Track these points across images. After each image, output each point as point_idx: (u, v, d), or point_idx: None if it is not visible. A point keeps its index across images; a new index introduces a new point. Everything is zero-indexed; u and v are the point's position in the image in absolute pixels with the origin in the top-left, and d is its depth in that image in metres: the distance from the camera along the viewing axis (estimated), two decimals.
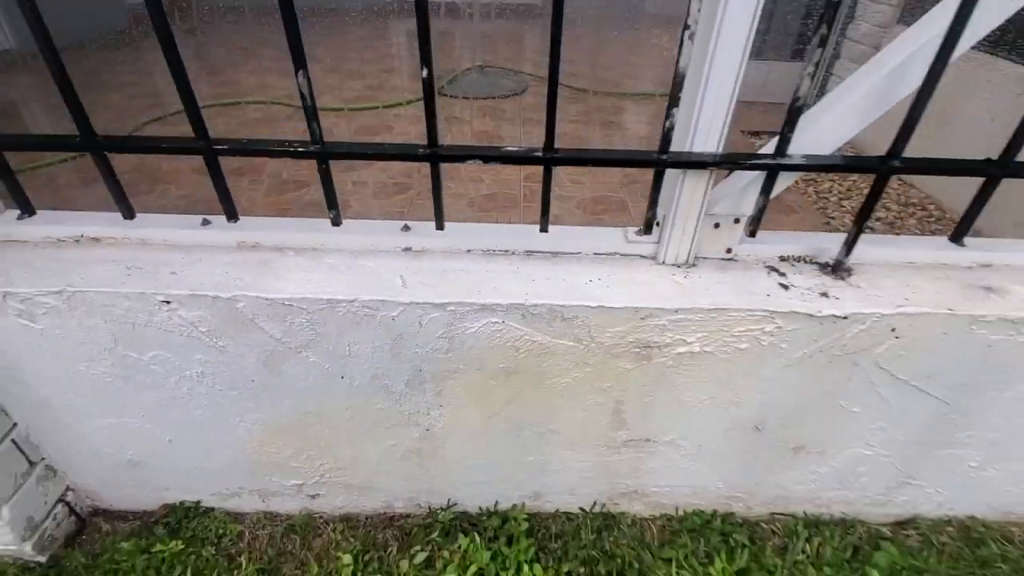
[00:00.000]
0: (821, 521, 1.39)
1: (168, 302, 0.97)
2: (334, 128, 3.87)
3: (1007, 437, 1.19)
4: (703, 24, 0.79)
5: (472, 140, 3.74)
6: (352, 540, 1.34)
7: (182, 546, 1.30)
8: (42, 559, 1.30)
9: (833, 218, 3.11)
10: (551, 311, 0.98)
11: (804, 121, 0.94)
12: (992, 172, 0.91)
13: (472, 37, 5.90)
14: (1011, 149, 0.90)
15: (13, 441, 1.20)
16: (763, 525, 1.38)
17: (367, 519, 1.40)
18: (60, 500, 1.34)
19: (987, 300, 1.00)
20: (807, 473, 1.29)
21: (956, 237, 1.06)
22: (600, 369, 1.06)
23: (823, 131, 0.93)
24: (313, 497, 1.37)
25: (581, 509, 1.40)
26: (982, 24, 0.78)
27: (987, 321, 0.98)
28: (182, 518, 1.37)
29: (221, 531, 1.35)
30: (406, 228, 1.09)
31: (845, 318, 0.98)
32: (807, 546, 1.33)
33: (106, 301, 0.98)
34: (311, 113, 0.88)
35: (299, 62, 0.83)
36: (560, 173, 3.26)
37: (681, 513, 1.40)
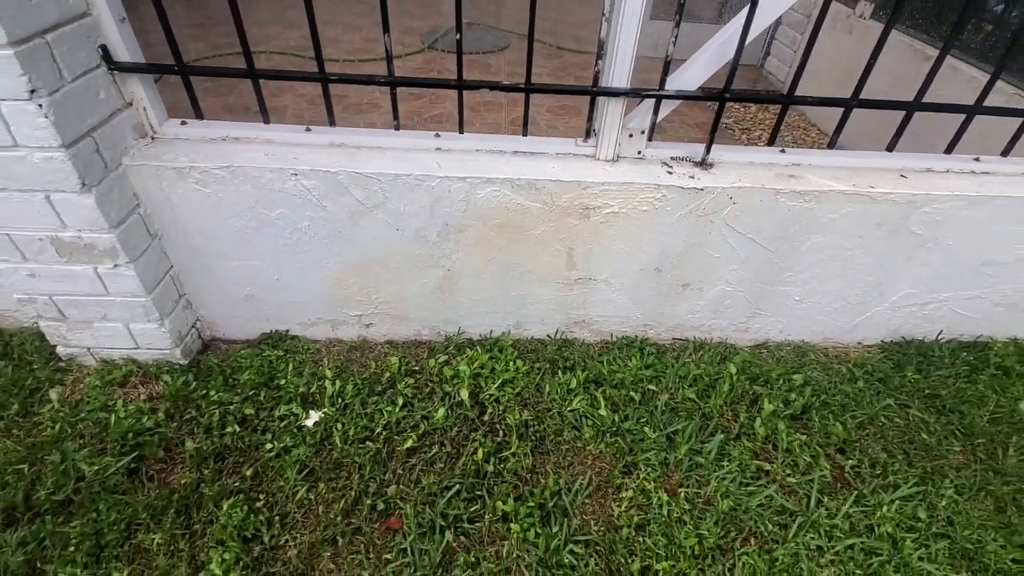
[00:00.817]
0: (705, 342, 2.11)
1: (296, 174, 1.58)
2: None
3: (812, 277, 1.90)
4: (613, 13, 1.41)
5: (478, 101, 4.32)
6: (396, 352, 2.00)
7: (281, 354, 1.95)
8: (184, 362, 1.93)
9: (751, 139, 4.01)
10: (529, 183, 1.62)
11: (680, 69, 1.58)
12: (782, 101, 1.58)
13: None
14: (793, 88, 1.56)
15: (171, 276, 1.82)
16: (667, 344, 2.10)
17: (403, 343, 2.06)
18: (192, 326, 1.97)
19: (787, 181, 1.68)
20: (693, 305, 1.99)
21: (770, 144, 1.73)
22: (558, 224, 1.72)
23: (690, 76, 1.58)
24: (367, 326, 2.03)
25: (548, 335, 2.09)
26: (760, 23, 1.42)
27: (784, 193, 1.66)
28: (277, 340, 2.01)
29: (306, 347, 2.00)
30: (437, 135, 1.71)
31: (702, 190, 1.65)
32: (693, 355, 2.05)
33: (256, 173, 1.58)
34: (389, 57, 1.49)
35: (386, 27, 1.42)
36: (540, 120, 3.86)
37: (614, 338, 2.10)
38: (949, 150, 1.76)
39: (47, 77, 1.29)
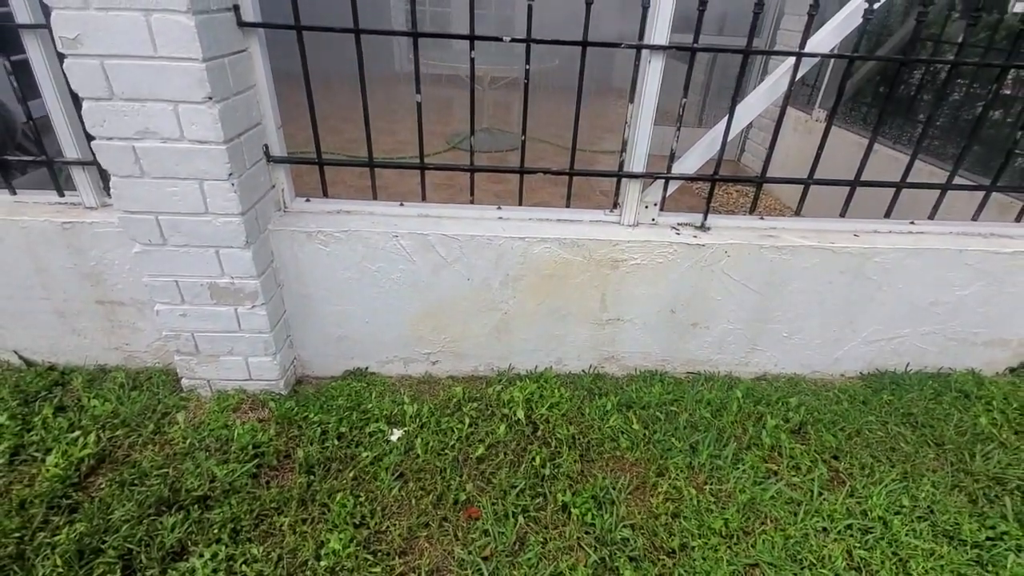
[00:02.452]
0: (713, 375, 2.52)
1: (396, 235, 2.08)
2: (386, 171, 5.03)
3: (796, 316, 2.37)
4: (632, 121, 2.00)
5: (491, 180, 4.99)
6: (458, 384, 2.40)
7: (364, 385, 2.34)
8: (285, 392, 2.31)
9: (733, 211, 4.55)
10: (572, 241, 2.13)
11: (683, 158, 2.16)
12: (758, 180, 2.14)
13: (479, 104, 7.29)
14: (764, 171, 2.12)
15: (284, 319, 2.26)
16: (682, 377, 2.51)
17: (463, 378, 2.47)
18: (292, 362, 2.37)
19: (768, 239, 2.20)
20: (701, 343, 2.43)
21: (750, 213, 2.27)
22: (594, 274, 2.21)
23: (689, 163, 2.15)
24: (434, 363, 2.44)
25: (583, 370, 2.50)
26: (737, 126, 2.02)
27: (765, 247, 2.17)
28: (359, 376, 2.41)
29: (383, 382, 2.40)
30: (499, 207, 2.25)
31: (704, 246, 2.16)
32: (704, 385, 2.46)
33: (365, 236, 2.08)
34: (472, 152, 2.05)
35: (472, 130, 2.00)
36: (553, 204, 4.52)
37: (637, 372, 2.51)
38: (887, 214, 2.31)
39: (238, 164, 1.82)
